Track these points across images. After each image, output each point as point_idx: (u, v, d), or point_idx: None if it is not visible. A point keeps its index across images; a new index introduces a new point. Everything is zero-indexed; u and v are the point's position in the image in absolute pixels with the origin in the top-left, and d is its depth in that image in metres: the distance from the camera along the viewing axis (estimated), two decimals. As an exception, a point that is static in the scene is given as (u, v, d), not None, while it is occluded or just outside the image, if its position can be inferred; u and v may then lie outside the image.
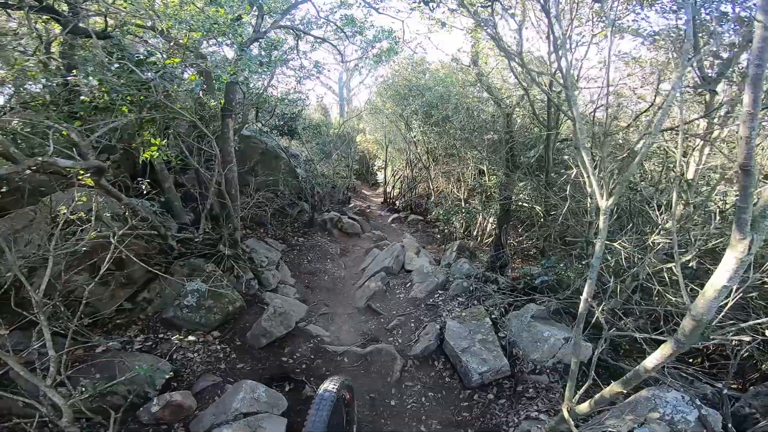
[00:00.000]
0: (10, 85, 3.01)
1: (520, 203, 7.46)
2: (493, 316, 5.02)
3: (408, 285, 6.02)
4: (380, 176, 16.81)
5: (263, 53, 4.87)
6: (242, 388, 3.51)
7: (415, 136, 10.21)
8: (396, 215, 12.12)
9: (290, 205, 8.13)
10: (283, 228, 7.80)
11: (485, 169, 8.18)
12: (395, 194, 13.83)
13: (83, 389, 2.34)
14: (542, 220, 6.69)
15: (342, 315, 5.65)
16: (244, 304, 4.84)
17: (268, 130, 8.38)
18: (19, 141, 2.87)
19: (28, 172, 2.48)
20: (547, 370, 4.29)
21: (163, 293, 4.41)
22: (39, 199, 3.51)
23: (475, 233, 9.51)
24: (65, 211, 2.87)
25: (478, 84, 7.05)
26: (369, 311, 5.62)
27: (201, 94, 4.86)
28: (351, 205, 11.92)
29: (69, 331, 2.45)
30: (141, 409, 3.37)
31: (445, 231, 9.94)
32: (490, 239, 9.45)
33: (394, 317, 5.41)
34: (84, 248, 2.31)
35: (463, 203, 9.89)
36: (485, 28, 4.09)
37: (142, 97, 3.36)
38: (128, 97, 3.17)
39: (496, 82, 7.15)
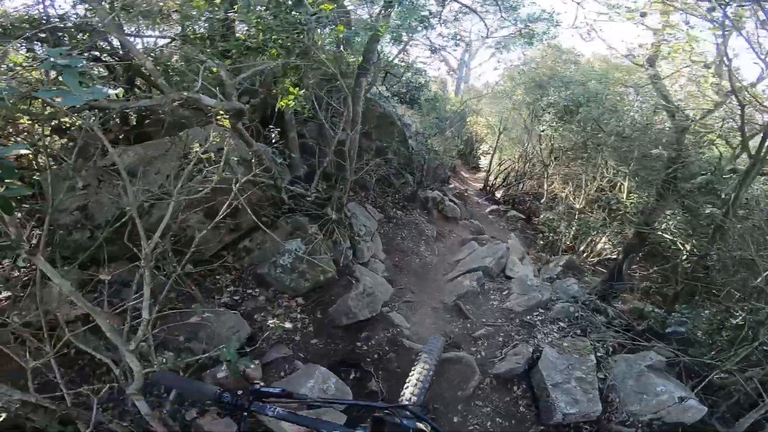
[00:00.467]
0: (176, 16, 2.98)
1: (659, 233, 6.44)
2: (598, 354, 4.40)
3: (505, 293, 5.50)
4: (483, 161, 16.00)
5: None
6: (314, 376, 3.33)
7: (543, 130, 9.29)
8: (495, 207, 11.37)
9: (396, 175, 7.86)
10: (385, 197, 7.58)
11: (625, 185, 7.16)
12: (497, 184, 13.01)
13: (164, 361, 2.26)
14: (686, 259, 5.73)
15: (426, 307, 5.31)
16: (335, 274, 4.65)
17: (389, 95, 8.08)
18: (171, 74, 2.84)
19: (173, 104, 2.40)
20: (641, 425, 3.81)
21: (263, 246, 4.39)
22: (177, 132, 3.55)
23: (582, 249, 8.57)
24: (197, 148, 2.80)
25: (648, 88, 6.02)
26: (456, 311, 5.22)
27: (342, 48, 4.63)
28: (451, 186, 11.41)
29: (169, 281, 2.36)
30: (207, 371, 3.28)
31: (549, 239, 9.11)
32: (597, 258, 8.49)
33: (483, 325, 4.96)
34: (206, 193, 2.17)
35: (577, 213, 8.95)
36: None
37: (291, 42, 3.16)
38: (279, 40, 2.98)
39: (674, 90, 6.04)
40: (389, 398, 3.81)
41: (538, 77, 8.95)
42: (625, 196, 7.03)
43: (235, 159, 3.85)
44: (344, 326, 4.35)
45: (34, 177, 3.30)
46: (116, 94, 2.63)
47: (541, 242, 9.18)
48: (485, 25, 6.41)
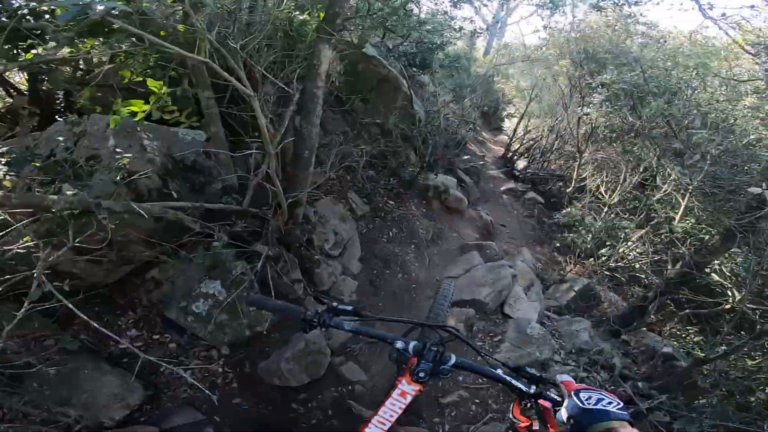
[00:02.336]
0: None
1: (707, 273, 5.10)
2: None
3: (497, 340, 4.37)
4: (507, 124, 14.20)
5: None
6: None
7: (587, 114, 7.61)
8: (512, 185, 9.89)
9: (393, 154, 6.48)
10: (376, 183, 6.28)
11: (682, 203, 5.65)
12: (518, 152, 11.37)
13: None
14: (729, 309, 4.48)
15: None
16: (264, 329, 3.57)
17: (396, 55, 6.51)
18: None
19: None
20: None
21: (176, 281, 3.29)
22: None
23: (606, 259, 7.23)
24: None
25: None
26: None
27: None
28: (465, 157, 9.88)
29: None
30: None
31: (568, 240, 7.76)
32: (620, 264, 7.16)
33: (458, 386, 3.92)
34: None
35: (605, 208, 7.50)
36: None
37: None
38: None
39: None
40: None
41: (593, 48, 7.10)
42: (678, 217, 5.55)
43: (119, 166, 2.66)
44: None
45: None
46: None
47: (557, 243, 7.84)
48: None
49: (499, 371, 1.34)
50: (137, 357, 2.44)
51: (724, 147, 5.12)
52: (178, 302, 3.24)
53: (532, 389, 1.26)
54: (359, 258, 5.16)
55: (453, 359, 1.29)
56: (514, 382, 1.29)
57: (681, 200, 5.60)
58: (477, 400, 3.88)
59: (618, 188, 7.60)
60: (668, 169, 6.29)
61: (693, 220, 5.52)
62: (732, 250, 4.92)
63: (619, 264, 7.05)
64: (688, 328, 5.46)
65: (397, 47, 6.44)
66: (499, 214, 8.76)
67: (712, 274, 5.04)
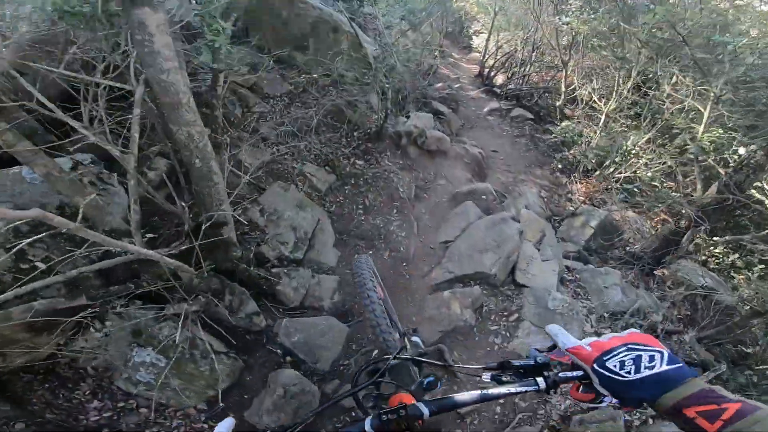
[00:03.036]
0: None
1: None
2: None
3: (513, 320, 3.59)
4: (476, 40, 12.80)
5: None
6: None
7: (566, 22, 6.33)
8: (495, 105, 8.74)
9: (349, 105, 5.31)
10: (336, 144, 5.18)
11: (705, 112, 4.59)
12: (494, 67, 10.03)
13: None
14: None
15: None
16: (236, 377, 2.86)
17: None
18: None
19: None
20: None
21: (107, 349, 2.45)
22: None
23: (613, 171, 6.33)
24: None
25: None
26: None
27: None
28: (438, 85, 8.58)
29: None
30: None
31: (569, 158, 6.81)
32: (628, 175, 6.31)
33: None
34: None
35: (603, 116, 6.53)
36: None
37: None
38: None
39: None
40: None
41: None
42: (701, 130, 4.52)
43: None
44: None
45: None
46: None
47: (559, 164, 6.89)
48: None
49: (486, 378, 0.97)
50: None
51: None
52: (120, 371, 2.51)
53: (540, 383, 0.88)
54: (334, 244, 4.26)
55: (426, 411, 0.94)
56: (514, 389, 0.89)
57: (702, 109, 4.54)
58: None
59: (613, 95, 6.54)
60: (678, 76, 5.19)
61: (720, 131, 4.53)
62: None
63: (629, 175, 6.19)
64: (728, 254, 4.69)
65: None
66: (487, 139, 7.72)
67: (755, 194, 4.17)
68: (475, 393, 0.94)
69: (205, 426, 2.74)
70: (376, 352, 1.81)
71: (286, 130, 4.80)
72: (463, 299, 3.60)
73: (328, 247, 4.15)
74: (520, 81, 9.28)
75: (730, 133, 4.77)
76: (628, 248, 5.01)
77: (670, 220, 4.65)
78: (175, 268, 2.50)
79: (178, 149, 2.46)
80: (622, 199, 5.19)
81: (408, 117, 6.07)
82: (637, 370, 0.72)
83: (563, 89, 7.68)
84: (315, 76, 5.47)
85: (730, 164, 4.65)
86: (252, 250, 3.30)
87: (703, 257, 4.68)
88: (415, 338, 1.56)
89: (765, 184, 4.33)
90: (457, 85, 9.43)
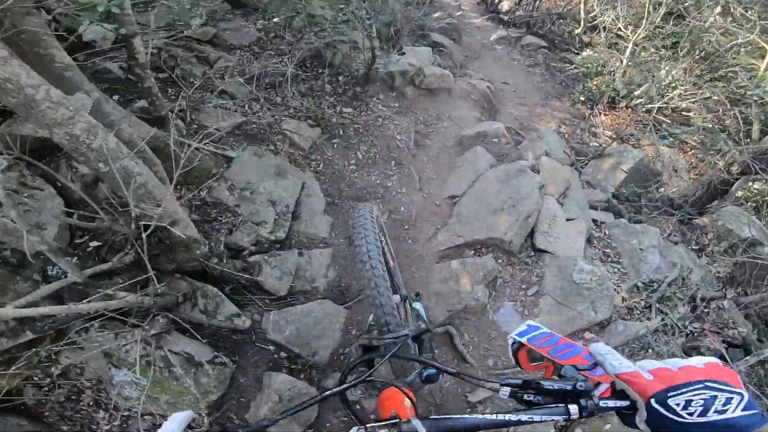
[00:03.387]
0: None
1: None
2: None
3: (531, 295, 3.06)
4: None
5: None
6: None
7: None
8: (503, 33, 7.74)
9: (329, 47, 4.47)
10: (318, 92, 4.44)
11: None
12: None
13: None
14: None
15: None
16: (226, 385, 2.52)
17: None
18: None
19: None
20: None
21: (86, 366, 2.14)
22: None
23: (643, 101, 5.51)
24: None
25: None
26: (445, 343, 2.94)
27: None
28: (436, 15, 7.47)
29: None
30: None
31: (593, 88, 5.96)
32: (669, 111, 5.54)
33: (489, 377, 2.76)
34: None
35: (631, 46, 5.64)
36: None
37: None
38: None
39: None
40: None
41: None
42: (763, 67, 3.64)
43: None
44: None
45: None
46: None
47: (580, 95, 6.04)
48: None
49: (504, 394, 0.77)
50: None
51: None
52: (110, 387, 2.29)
53: (573, 410, 0.68)
54: (324, 210, 3.70)
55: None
56: (537, 416, 0.69)
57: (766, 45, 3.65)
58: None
59: (643, 23, 5.55)
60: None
61: None
62: None
63: (664, 107, 5.40)
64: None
65: None
66: (496, 70, 6.84)
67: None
68: (488, 417, 0.74)
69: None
70: (375, 332, 1.61)
71: (258, 83, 4.09)
72: (474, 273, 3.07)
73: (317, 215, 3.59)
74: (530, 7, 8.26)
75: None
76: (664, 192, 4.35)
77: (720, 164, 3.97)
78: (120, 301, 2.00)
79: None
80: (662, 138, 4.48)
81: (402, 53, 5.21)
82: (704, 413, 0.57)
83: (582, 15, 6.61)
84: (277, 20, 4.66)
85: None
86: (222, 241, 2.76)
87: (754, 204, 4.03)
88: (416, 305, 1.45)
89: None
90: (458, 13, 8.38)
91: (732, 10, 4.83)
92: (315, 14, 4.48)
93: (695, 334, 3.07)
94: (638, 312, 3.06)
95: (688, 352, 2.95)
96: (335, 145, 4.19)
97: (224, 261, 2.76)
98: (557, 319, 2.81)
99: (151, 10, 4.34)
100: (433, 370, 1.02)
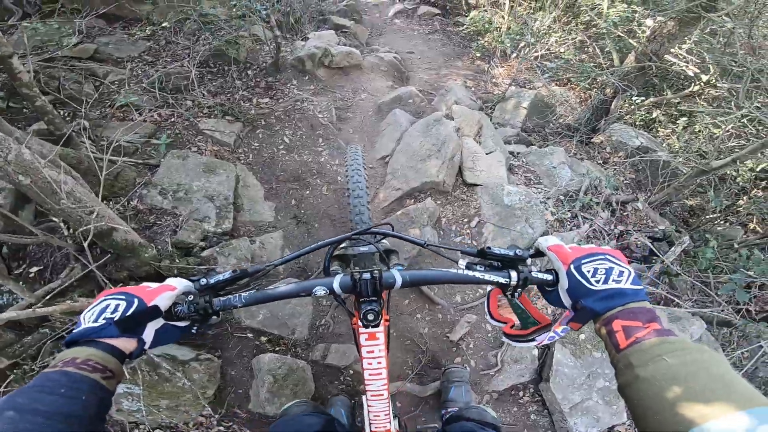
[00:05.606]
0: None
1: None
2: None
3: (475, 225, 3.39)
4: None
5: None
6: None
7: None
8: (399, 6, 8.18)
9: (229, 43, 4.45)
10: (229, 89, 4.44)
11: None
12: None
13: None
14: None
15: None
16: (218, 381, 2.53)
17: None
18: None
19: None
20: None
21: None
22: None
23: (530, 50, 6.10)
24: None
25: None
26: (416, 293, 3.18)
27: None
28: (332, -1, 7.67)
29: None
30: None
31: (486, 44, 6.47)
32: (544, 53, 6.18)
33: (461, 313, 3.06)
34: None
35: (508, 1, 6.23)
36: None
37: None
38: None
39: None
40: None
41: None
42: (606, 5, 4.29)
43: None
44: None
45: None
46: None
47: (477, 53, 6.53)
48: None
49: (462, 265, 0.95)
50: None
51: None
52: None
53: (513, 276, 0.89)
54: (264, 196, 3.76)
55: (398, 279, 0.92)
56: (486, 276, 0.90)
57: None
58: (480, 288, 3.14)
59: None
60: None
61: (624, 5, 4.41)
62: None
63: (544, 53, 6.04)
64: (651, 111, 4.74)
65: None
66: (400, 42, 7.21)
67: (674, 60, 4.11)
68: (449, 271, 0.93)
69: (222, 429, 2.48)
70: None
71: (162, 89, 4.01)
72: (418, 217, 3.31)
73: (258, 202, 3.64)
74: None
75: (633, 8, 4.78)
76: (562, 121, 4.90)
77: (595, 90, 4.59)
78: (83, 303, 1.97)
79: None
80: (547, 78, 5.00)
81: (306, 39, 5.32)
82: (605, 281, 0.74)
83: None
84: (166, 24, 4.53)
85: (637, 35, 4.66)
86: (168, 242, 2.75)
87: (632, 119, 4.73)
88: (384, 242, 1.55)
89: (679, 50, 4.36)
90: None
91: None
92: (207, 14, 4.45)
93: (623, 234, 3.53)
94: (568, 222, 3.47)
95: (621, 251, 3.41)
96: (260, 135, 4.23)
97: (176, 260, 2.76)
98: (502, 242, 3.14)
99: (12, 34, 4.11)
100: (403, 266, 1.15)
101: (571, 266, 0.80)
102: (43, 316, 1.99)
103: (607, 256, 0.79)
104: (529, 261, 0.93)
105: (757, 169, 3.97)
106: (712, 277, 2.90)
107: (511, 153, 4.08)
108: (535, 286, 0.92)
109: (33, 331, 2.27)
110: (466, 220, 3.43)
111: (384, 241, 1.77)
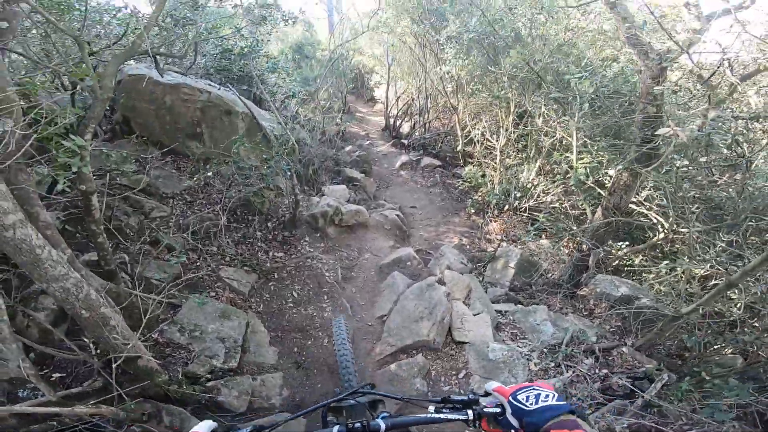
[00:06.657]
0: None
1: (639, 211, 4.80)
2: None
3: (462, 377, 3.63)
4: (377, 92, 13.76)
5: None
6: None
7: (448, 72, 6.98)
8: (405, 158, 9.28)
9: (256, 195, 5.18)
10: (250, 239, 5.07)
11: (574, 142, 5.13)
12: (398, 117, 10.85)
13: None
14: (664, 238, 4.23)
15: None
16: None
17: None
18: None
19: None
20: None
21: None
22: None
23: (519, 201, 6.81)
24: None
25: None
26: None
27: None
28: (348, 148, 8.94)
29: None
30: None
31: (480, 200, 7.26)
32: (534, 203, 6.80)
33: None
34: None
35: (499, 155, 7.09)
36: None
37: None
38: None
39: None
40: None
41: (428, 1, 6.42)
42: (574, 157, 5.08)
43: None
44: None
45: None
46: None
47: (471, 208, 7.31)
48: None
49: (431, 410, 1.23)
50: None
51: (597, 82, 4.74)
52: None
53: (470, 414, 1.17)
54: (270, 342, 4.07)
55: (382, 426, 1.17)
56: (450, 416, 1.18)
57: (572, 140, 5.13)
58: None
59: (500, 131, 7.20)
60: (543, 109, 5.91)
61: (590, 158, 5.12)
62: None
63: (533, 205, 6.71)
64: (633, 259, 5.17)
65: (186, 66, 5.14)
66: (404, 195, 8.07)
67: (636, 209, 4.74)
68: (423, 415, 1.19)
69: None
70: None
71: (194, 233, 4.57)
72: (409, 369, 3.59)
73: (264, 347, 3.96)
74: (423, 129, 9.94)
75: (599, 158, 5.25)
76: (550, 276, 5.33)
77: (573, 246, 5.09)
78: (91, 414, 2.26)
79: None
80: (534, 231, 5.52)
81: (321, 194, 6.16)
82: (536, 402, 0.98)
83: (459, 132, 8.21)
84: (209, 174, 5.15)
85: (605, 186, 5.05)
86: (179, 371, 3.06)
87: (612, 267, 5.06)
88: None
89: (638, 197, 4.90)
90: (367, 142, 9.99)
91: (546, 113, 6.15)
92: (243, 166, 5.01)
93: (606, 377, 3.72)
94: (552, 371, 3.68)
95: (604, 392, 3.54)
96: (272, 288, 4.68)
97: (184, 387, 2.99)
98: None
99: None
100: (387, 414, 1.33)
101: (510, 397, 1.05)
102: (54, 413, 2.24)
103: (534, 387, 1.03)
104: (481, 401, 1.19)
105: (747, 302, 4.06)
106: (698, 404, 3.09)
107: (499, 312, 4.45)
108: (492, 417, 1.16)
109: (41, 421, 2.46)
110: (454, 372, 3.68)
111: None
